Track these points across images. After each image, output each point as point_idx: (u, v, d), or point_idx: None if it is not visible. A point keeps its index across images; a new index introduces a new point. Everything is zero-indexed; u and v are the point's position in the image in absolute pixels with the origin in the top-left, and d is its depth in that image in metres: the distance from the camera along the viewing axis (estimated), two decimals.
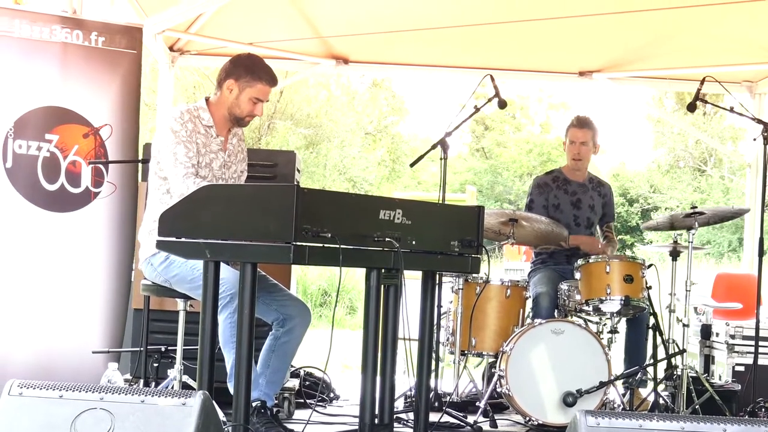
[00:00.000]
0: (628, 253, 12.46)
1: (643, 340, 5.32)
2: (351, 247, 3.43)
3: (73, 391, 2.88)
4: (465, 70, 7.87)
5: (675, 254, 5.13)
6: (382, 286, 3.69)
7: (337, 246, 3.31)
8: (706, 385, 5.07)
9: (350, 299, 13.55)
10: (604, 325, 5.16)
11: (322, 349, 3.64)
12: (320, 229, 3.24)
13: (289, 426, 4.34)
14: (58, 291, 4.81)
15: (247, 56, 4.31)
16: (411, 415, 4.61)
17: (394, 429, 4.02)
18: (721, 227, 23.75)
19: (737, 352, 5.91)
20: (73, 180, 4.88)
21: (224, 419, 3.52)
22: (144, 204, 4.30)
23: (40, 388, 2.89)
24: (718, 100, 12.38)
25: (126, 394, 2.88)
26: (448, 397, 5.08)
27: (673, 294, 5.06)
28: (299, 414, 4.92)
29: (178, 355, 4.22)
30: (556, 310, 5.28)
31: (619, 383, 5.00)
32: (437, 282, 4.73)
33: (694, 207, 5.03)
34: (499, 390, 4.89)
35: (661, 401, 5.07)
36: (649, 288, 5.10)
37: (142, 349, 4.53)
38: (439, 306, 5.17)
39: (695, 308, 6.34)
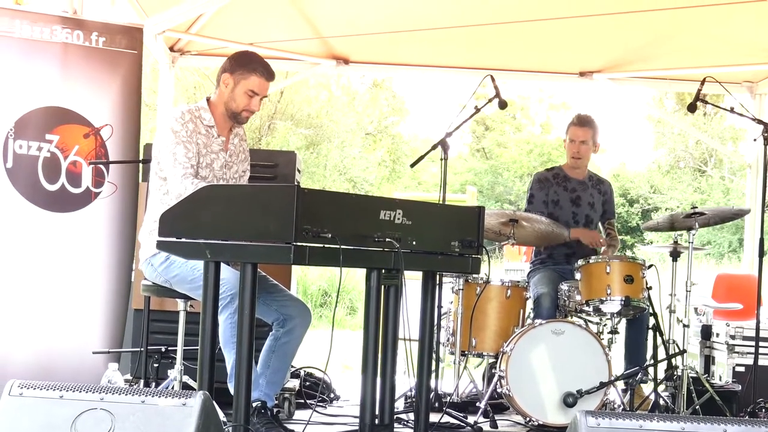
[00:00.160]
0: (629, 253, 12.45)
1: (643, 340, 5.33)
2: (351, 247, 3.43)
3: (74, 391, 2.88)
4: (465, 71, 7.87)
5: (675, 255, 5.14)
6: (383, 286, 3.69)
7: (338, 246, 3.31)
8: (707, 385, 5.07)
9: (350, 300, 13.56)
10: (605, 325, 5.16)
11: (323, 349, 3.64)
12: (320, 229, 3.24)
13: (290, 426, 4.34)
14: (59, 291, 4.81)
15: (242, 52, 4.36)
16: (411, 416, 4.61)
17: (395, 429, 4.03)
18: (722, 228, 23.75)
19: (737, 352, 5.91)
20: (73, 180, 4.88)
21: (224, 419, 3.52)
22: (144, 204, 4.31)
23: (41, 389, 2.89)
24: (719, 100, 12.36)
25: (126, 395, 2.88)
26: (449, 398, 5.08)
27: (673, 294, 5.06)
28: (299, 414, 4.92)
29: (179, 356, 4.22)
30: (556, 311, 5.28)
31: (619, 384, 5.00)
32: (437, 282, 4.73)
33: (694, 207, 5.03)
34: (499, 390, 4.89)
35: (662, 402, 5.07)
36: (650, 288, 5.10)
37: (142, 349, 4.53)
38: (440, 306, 5.17)
39: (695, 309, 6.34)
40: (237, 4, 6.05)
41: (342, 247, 3.32)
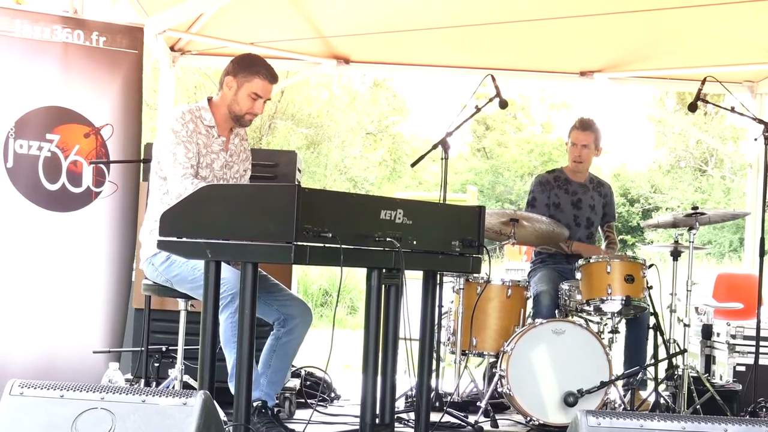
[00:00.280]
0: (629, 253, 12.45)
1: (643, 340, 5.33)
2: (352, 247, 3.43)
3: (74, 390, 2.88)
4: (466, 70, 7.88)
5: (676, 254, 5.14)
6: (383, 286, 3.69)
7: (338, 246, 3.31)
8: (707, 385, 5.07)
9: (351, 299, 13.56)
10: (605, 325, 5.16)
11: (323, 349, 3.64)
12: (321, 229, 3.24)
13: (290, 426, 4.34)
14: (59, 291, 4.81)
15: (246, 54, 4.34)
16: (412, 415, 4.61)
17: (395, 429, 4.02)
18: (722, 227, 23.75)
19: (738, 352, 5.91)
20: (74, 180, 4.88)
21: (225, 419, 3.52)
22: (145, 204, 4.31)
23: (41, 388, 2.89)
24: (719, 100, 12.37)
25: (127, 394, 2.88)
26: (449, 397, 5.08)
27: (674, 294, 5.06)
28: (300, 414, 4.92)
29: (179, 355, 4.22)
30: (557, 310, 5.28)
31: (619, 383, 5.00)
32: (438, 282, 4.73)
33: (695, 207, 5.03)
34: (500, 390, 4.89)
35: (662, 401, 5.07)
36: (650, 288, 5.11)
37: (143, 348, 4.53)
38: (440, 306, 5.17)
39: (696, 308, 6.34)
40: (237, 4, 6.05)
41: (343, 246, 3.32)
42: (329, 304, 13.54)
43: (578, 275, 5.15)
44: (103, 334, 4.90)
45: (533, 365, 4.80)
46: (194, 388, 3.54)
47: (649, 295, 5.08)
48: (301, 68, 8.06)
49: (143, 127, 5.19)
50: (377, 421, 3.76)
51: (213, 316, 3.51)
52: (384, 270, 3.64)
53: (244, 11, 6.48)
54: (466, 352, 5.16)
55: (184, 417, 2.81)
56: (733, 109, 5.31)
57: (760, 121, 5.19)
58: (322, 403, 5.24)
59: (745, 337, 5.90)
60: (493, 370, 5.05)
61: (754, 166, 7.72)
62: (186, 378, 4.30)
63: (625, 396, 5.04)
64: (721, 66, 7.16)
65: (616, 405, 4.98)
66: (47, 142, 4.81)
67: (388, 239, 3.52)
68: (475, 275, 5.05)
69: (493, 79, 5.32)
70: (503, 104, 5.27)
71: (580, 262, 5.16)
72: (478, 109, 5.33)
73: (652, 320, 5.15)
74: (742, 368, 5.83)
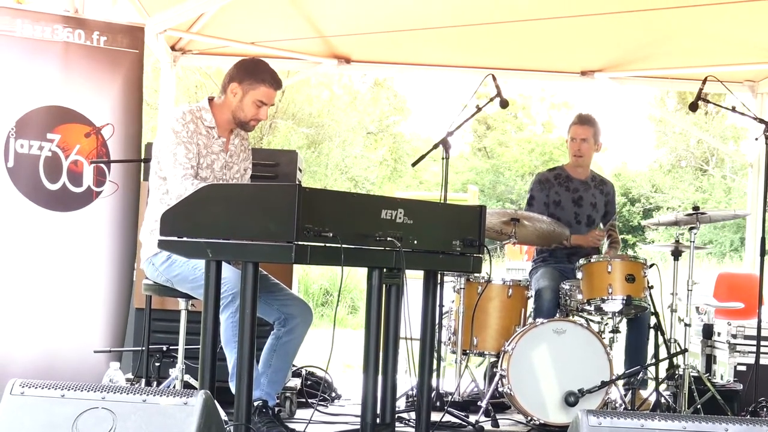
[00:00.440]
0: (630, 252, 12.46)
1: (644, 339, 5.33)
2: (353, 246, 3.43)
3: (75, 390, 2.88)
4: (467, 70, 7.87)
5: (677, 254, 5.14)
6: (384, 285, 3.69)
7: (339, 245, 3.31)
8: (708, 384, 5.07)
9: (352, 299, 13.56)
10: (606, 324, 5.16)
11: (324, 348, 3.64)
12: (322, 228, 3.24)
13: (291, 425, 4.35)
14: (60, 290, 4.81)
15: (250, 60, 4.32)
16: (413, 415, 4.61)
17: (396, 428, 4.03)
18: (723, 227, 23.75)
19: (739, 351, 5.91)
20: (74, 179, 4.88)
21: (226, 419, 3.52)
22: (146, 203, 4.31)
23: (42, 388, 2.89)
24: (720, 99, 12.35)
25: (128, 394, 2.88)
26: (450, 397, 5.08)
27: (674, 294, 5.07)
28: (301, 413, 4.92)
29: (180, 355, 4.23)
30: (558, 310, 5.28)
31: (620, 383, 5.00)
32: (439, 281, 4.73)
33: (696, 207, 5.03)
34: (500, 389, 4.89)
35: (663, 401, 5.07)
36: (651, 288, 5.10)
37: (143, 348, 4.53)
38: (441, 305, 5.17)
39: (697, 308, 6.34)
40: (238, 4, 6.05)
41: (343, 246, 3.32)
42: (330, 304, 13.54)
43: (579, 275, 5.15)
44: (104, 334, 4.90)
45: (534, 365, 4.80)
46: (195, 388, 3.54)
47: (650, 295, 5.08)
48: (301, 68, 8.06)
49: (144, 126, 5.19)
50: (378, 420, 3.76)
51: (214, 315, 3.51)
52: (385, 269, 3.64)
53: (245, 11, 6.48)
54: (467, 351, 5.16)
55: (184, 417, 2.81)
56: (733, 109, 5.31)
57: (761, 121, 5.19)
58: (322, 403, 5.24)
59: (746, 337, 5.89)
60: (494, 370, 5.05)
61: (755, 166, 7.72)
62: (187, 378, 4.31)
63: (625, 396, 5.04)
64: (721, 66, 7.16)
65: (617, 405, 4.98)
66: (48, 142, 4.81)
67: (388, 239, 3.52)
68: (475, 275, 5.04)
69: (494, 78, 5.33)
70: (504, 104, 5.27)
71: (581, 261, 5.16)
72: (479, 109, 5.33)
73: (652, 320, 5.16)
74: (743, 368, 5.83)
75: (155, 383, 4.56)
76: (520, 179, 29.34)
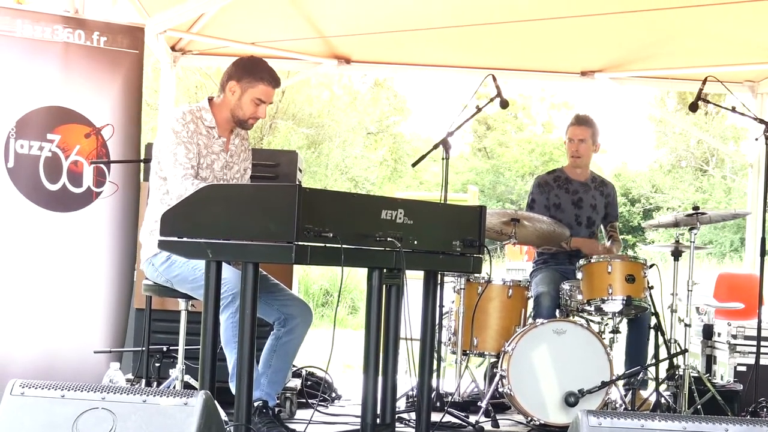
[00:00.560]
0: (630, 253, 12.46)
1: (644, 340, 5.32)
2: (353, 246, 3.43)
3: (75, 390, 2.88)
4: (467, 70, 7.87)
5: (677, 254, 5.14)
6: (384, 285, 3.69)
7: (339, 246, 3.31)
8: (708, 385, 5.07)
9: (352, 299, 13.56)
10: (606, 325, 5.15)
11: (324, 348, 3.64)
12: (322, 228, 3.24)
13: (291, 426, 4.35)
14: (60, 291, 4.81)
15: (248, 58, 4.32)
16: (413, 415, 4.61)
17: (396, 429, 4.03)
18: (723, 227, 23.74)
19: (739, 352, 5.90)
20: (74, 180, 4.88)
21: (226, 419, 3.52)
22: (146, 204, 4.31)
23: (42, 388, 2.89)
24: (720, 100, 12.35)
25: (128, 394, 2.88)
26: (450, 397, 5.08)
27: (674, 294, 5.06)
28: (301, 414, 4.92)
29: (180, 355, 4.23)
30: (557, 310, 5.28)
31: (620, 383, 5.00)
32: (439, 282, 4.73)
33: (696, 207, 5.03)
34: (500, 390, 4.89)
35: (663, 401, 5.07)
36: (651, 288, 5.10)
37: (143, 348, 4.53)
38: (441, 306, 5.16)
39: (697, 308, 6.34)
40: (238, 4, 6.05)
41: (343, 246, 3.32)
42: (330, 304, 13.54)
43: (579, 275, 5.15)
44: (104, 334, 4.90)
45: (534, 365, 4.80)
46: (195, 388, 3.55)
47: (650, 295, 5.08)
48: (301, 68, 8.06)
49: (144, 127, 5.19)
50: (378, 421, 3.76)
51: (214, 316, 3.51)
52: (385, 270, 3.64)
53: (245, 11, 6.48)
54: (467, 352, 5.16)
55: (185, 417, 2.81)
56: (734, 109, 5.31)
57: (761, 121, 5.19)
58: (323, 403, 5.24)
59: (746, 337, 5.89)
60: (494, 370, 5.05)
61: (755, 166, 7.72)
62: (187, 378, 4.30)
63: (626, 396, 5.04)
64: (721, 66, 7.16)
65: (617, 405, 4.98)
66: (48, 142, 4.81)
67: (389, 239, 3.52)
68: (476, 275, 5.04)
69: (494, 78, 5.33)
70: (504, 104, 5.27)
71: (581, 262, 5.16)
72: (479, 109, 5.33)
73: (653, 320, 5.15)
74: (743, 368, 5.83)
75: (155, 384, 4.57)
76: (520, 179, 29.34)
